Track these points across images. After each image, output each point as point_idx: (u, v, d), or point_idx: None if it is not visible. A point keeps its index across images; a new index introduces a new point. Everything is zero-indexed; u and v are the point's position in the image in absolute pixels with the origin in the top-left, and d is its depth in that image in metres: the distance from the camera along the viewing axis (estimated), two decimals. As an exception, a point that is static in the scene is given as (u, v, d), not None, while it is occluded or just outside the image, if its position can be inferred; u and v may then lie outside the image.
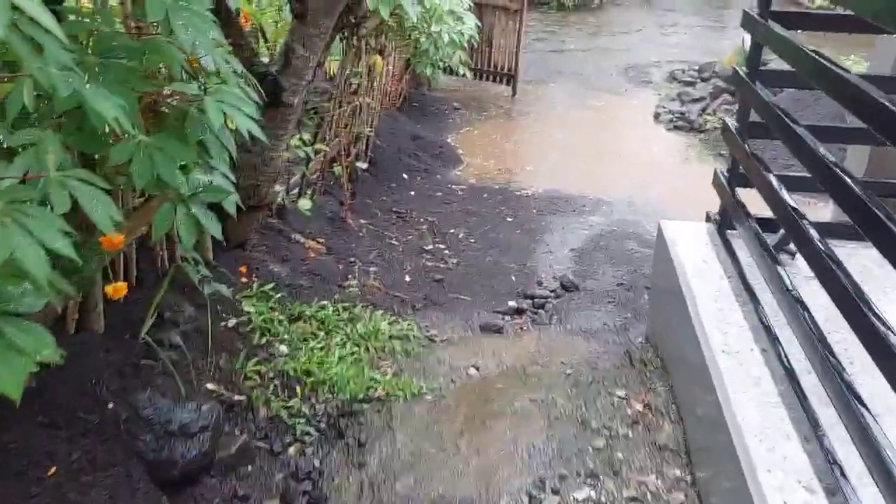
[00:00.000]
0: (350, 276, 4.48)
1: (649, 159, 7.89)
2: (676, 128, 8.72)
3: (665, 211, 6.55)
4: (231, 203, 2.56)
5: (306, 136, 4.56)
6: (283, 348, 3.40)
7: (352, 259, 4.79)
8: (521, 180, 7.18)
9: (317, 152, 4.77)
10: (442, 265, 5.20)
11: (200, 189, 2.51)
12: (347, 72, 5.06)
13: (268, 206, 3.95)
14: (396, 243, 5.42)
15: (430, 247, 5.48)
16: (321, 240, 4.83)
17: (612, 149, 8.12)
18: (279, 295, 3.72)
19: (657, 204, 6.74)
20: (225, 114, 2.39)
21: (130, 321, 2.96)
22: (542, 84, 10.24)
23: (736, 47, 9.29)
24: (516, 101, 9.53)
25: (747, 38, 9.14)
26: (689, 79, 10.30)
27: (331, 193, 5.57)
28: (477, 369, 3.61)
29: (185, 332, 3.11)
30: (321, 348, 3.50)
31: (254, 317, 3.45)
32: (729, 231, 3.32)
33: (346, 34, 4.71)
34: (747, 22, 3.10)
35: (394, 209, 6.10)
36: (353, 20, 3.61)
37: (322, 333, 3.59)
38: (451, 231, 5.85)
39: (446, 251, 5.48)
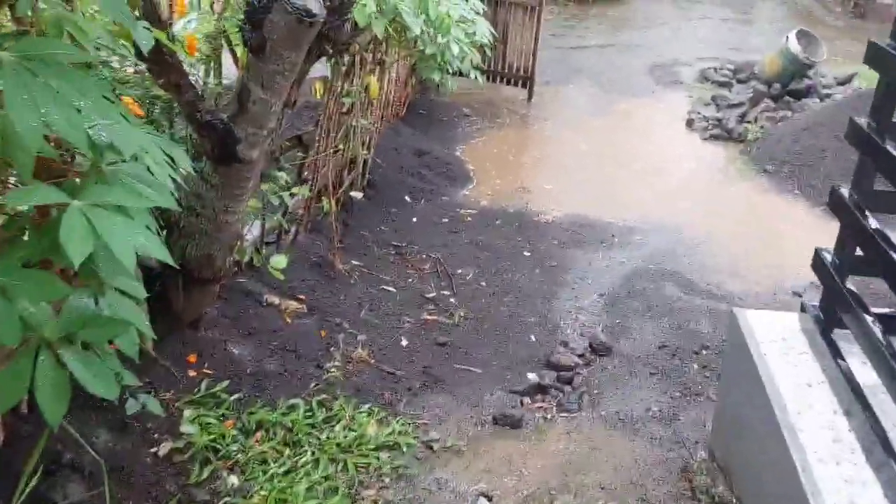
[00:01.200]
0: (333, 348, 3.63)
1: (685, 175, 6.97)
2: (713, 137, 7.78)
3: (709, 244, 5.66)
4: (130, 344, 1.71)
5: (286, 176, 3.70)
6: (234, 480, 2.56)
7: (338, 321, 3.93)
8: (540, 202, 6.29)
9: (294, 196, 3.92)
10: (447, 320, 4.34)
11: (82, 324, 1.66)
12: (338, 92, 4.18)
13: (227, 276, 3.11)
14: (393, 290, 4.56)
15: (433, 294, 4.62)
16: (302, 296, 3.99)
17: (641, 163, 7.20)
18: (235, 396, 2.87)
19: (698, 233, 5.84)
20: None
21: (10, 470, 2.13)
22: (561, 85, 9.31)
23: (780, 48, 8.32)
24: (533, 106, 8.62)
25: (792, 37, 8.12)
26: (723, 79, 9.33)
27: (319, 231, 4.72)
28: (489, 499, 2.76)
29: (93, 477, 2.28)
30: (285, 473, 2.66)
31: (196, 437, 2.61)
32: (837, 331, 2.44)
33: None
34: (876, 58, 2.20)
35: (393, 242, 5.24)
36: (333, 48, 2.73)
37: (287, 451, 2.75)
38: (459, 271, 4.98)
39: (452, 299, 4.61)
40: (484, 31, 5.27)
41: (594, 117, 8.36)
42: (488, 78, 8.65)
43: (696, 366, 4.05)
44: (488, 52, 7.76)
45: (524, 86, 8.70)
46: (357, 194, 5.06)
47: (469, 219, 5.89)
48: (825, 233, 6.06)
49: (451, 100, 8.38)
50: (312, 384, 3.24)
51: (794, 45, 8.10)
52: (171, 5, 2.53)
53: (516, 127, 8.05)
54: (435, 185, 6.38)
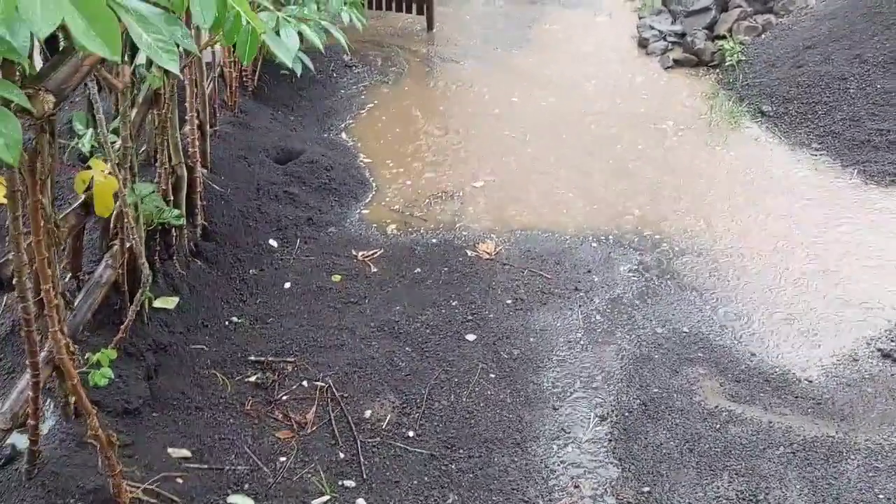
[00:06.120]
0: None
1: (656, 136, 4.78)
2: (678, 63, 5.56)
3: (725, 267, 3.60)
4: None
5: None
6: None
7: None
8: (472, 216, 4.05)
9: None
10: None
11: None
12: (27, 196, 1.74)
13: None
14: None
15: (326, 497, 2.44)
16: None
17: (591, 120, 4.97)
18: None
19: (703, 245, 3.78)
20: None
21: None
22: (467, 1, 6.78)
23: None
24: (436, 39, 6.12)
25: None
26: (668, -31, 6.97)
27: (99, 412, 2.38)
28: None
29: None
30: None
31: None
32: None
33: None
34: None
35: (251, 357, 2.98)
36: None
37: None
38: (368, 413, 2.79)
39: (362, 500, 2.46)
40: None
41: (518, 46, 5.96)
42: (372, 5, 6.07)
43: None
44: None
45: (420, 11, 6.15)
46: (167, 304, 2.71)
47: (373, 269, 3.62)
48: (883, 217, 3.90)
49: (325, 43, 5.77)
50: None
51: (767, -79, 5.79)
52: None
53: (418, 77, 5.59)
54: (315, 209, 4.03)
